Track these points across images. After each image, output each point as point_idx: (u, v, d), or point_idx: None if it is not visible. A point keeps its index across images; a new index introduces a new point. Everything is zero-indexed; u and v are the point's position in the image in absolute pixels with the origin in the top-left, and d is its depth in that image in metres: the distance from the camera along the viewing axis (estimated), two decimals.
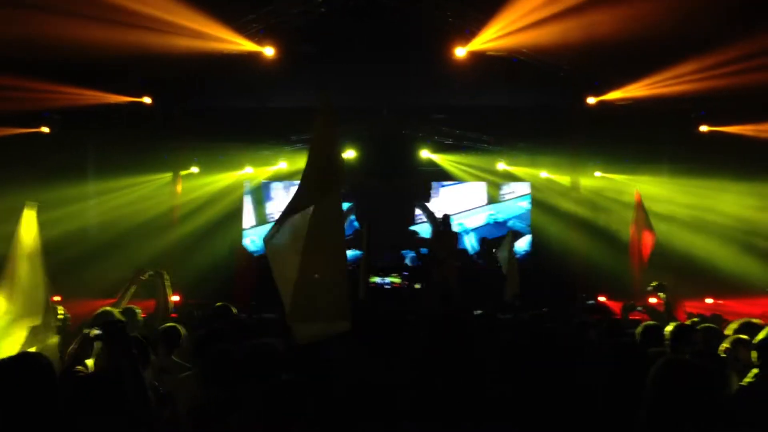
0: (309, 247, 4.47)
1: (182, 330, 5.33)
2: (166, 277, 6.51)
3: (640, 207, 10.30)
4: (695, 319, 6.52)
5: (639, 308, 8.18)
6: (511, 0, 9.86)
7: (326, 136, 4.92)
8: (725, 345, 4.65)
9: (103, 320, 4.08)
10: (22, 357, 3.35)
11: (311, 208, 4.59)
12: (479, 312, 10.42)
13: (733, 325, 5.17)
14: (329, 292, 4.52)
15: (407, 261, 15.72)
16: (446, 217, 12.85)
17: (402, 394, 3.42)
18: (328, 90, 5.09)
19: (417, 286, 13.49)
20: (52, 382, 3.12)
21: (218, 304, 6.89)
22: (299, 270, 4.43)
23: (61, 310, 5.67)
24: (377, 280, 13.58)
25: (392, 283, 13.82)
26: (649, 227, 10.15)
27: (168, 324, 5.48)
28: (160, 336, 5.19)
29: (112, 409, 3.17)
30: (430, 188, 16.41)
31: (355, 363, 4.03)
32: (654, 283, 7.42)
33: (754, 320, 5.39)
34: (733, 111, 12.15)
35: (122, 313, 5.53)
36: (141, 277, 6.41)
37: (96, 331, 3.58)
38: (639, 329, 5.30)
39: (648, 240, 10.12)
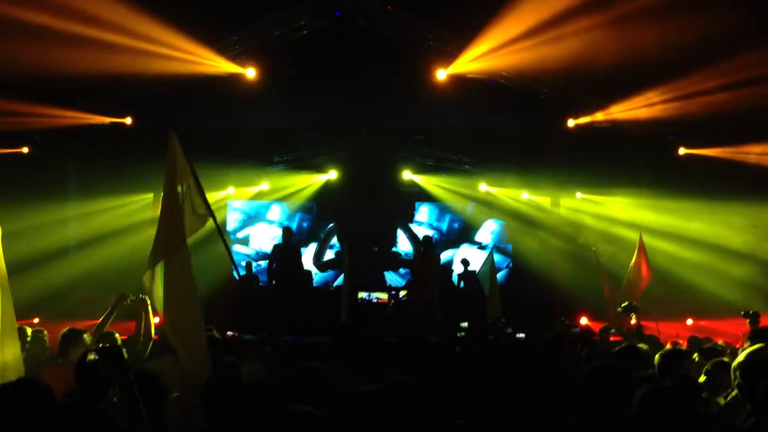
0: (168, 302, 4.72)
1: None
2: (149, 302, 6.48)
3: (642, 249, 10.57)
4: (676, 343, 6.57)
5: (612, 330, 8.23)
6: (491, 24, 9.97)
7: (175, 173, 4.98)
8: (707, 367, 4.69)
9: (100, 344, 4.06)
10: (20, 382, 3.32)
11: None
12: (462, 334, 10.47)
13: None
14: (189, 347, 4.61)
15: (390, 282, 15.74)
16: (428, 239, 12.87)
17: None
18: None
19: (403, 293, 13.50)
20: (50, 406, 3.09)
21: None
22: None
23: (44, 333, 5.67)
24: (363, 295, 13.59)
25: (378, 298, 13.81)
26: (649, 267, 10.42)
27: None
28: None
29: None
30: (412, 209, 16.48)
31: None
32: (625, 304, 7.43)
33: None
34: (710, 134, 12.32)
35: (102, 337, 5.51)
36: (123, 303, 6.38)
37: (93, 356, 3.56)
38: (616, 350, 5.33)
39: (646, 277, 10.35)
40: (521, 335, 11.37)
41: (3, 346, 4.57)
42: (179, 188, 4.97)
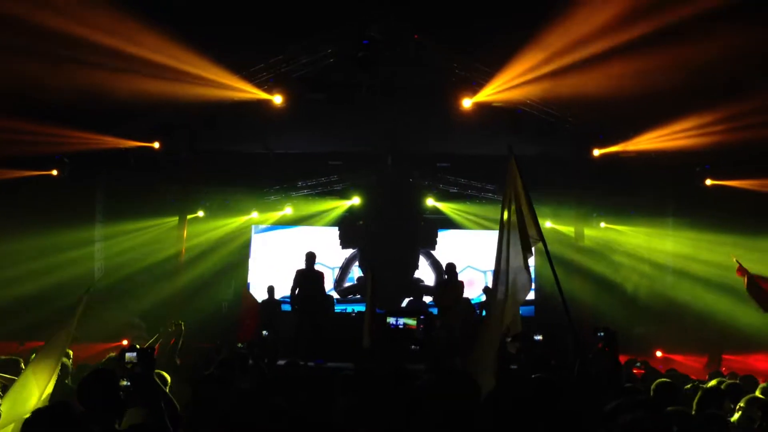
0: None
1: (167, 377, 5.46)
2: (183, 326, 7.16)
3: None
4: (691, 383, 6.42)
5: (638, 363, 8.13)
6: (517, 54, 9.99)
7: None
8: (741, 404, 4.61)
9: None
10: (54, 407, 3.38)
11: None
12: None
13: (763, 384, 5.15)
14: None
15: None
16: (451, 266, 12.80)
17: None
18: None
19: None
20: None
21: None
22: None
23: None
24: (391, 320, 13.41)
25: (406, 324, 13.63)
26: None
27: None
28: None
29: None
30: (435, 236, 16.44)
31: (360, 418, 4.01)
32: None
33: None
34: (738, 165, 12.17)
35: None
36: (169, 330, 7.21)
37: (124, 382, 3.72)
38: (653, 386, 5.26)
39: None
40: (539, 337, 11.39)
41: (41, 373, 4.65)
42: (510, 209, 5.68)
